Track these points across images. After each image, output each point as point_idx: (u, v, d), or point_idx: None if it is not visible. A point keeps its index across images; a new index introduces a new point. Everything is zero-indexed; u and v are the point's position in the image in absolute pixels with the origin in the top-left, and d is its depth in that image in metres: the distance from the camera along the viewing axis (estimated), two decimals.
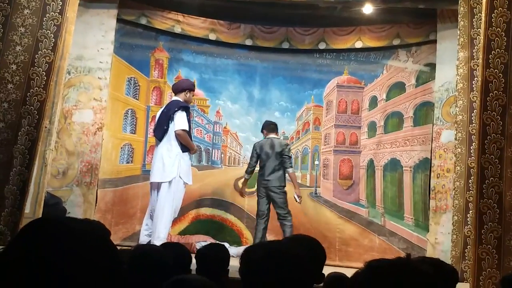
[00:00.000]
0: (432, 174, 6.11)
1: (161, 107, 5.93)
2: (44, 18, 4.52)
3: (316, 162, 7.31)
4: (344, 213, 6.92)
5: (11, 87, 4.42)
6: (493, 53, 4.17)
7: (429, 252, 5.81)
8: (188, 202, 6.45)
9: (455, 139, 5.19)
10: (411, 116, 6.72)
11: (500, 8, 4.16)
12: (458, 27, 5.14)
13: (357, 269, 1.32)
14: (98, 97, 6.23)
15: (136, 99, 7.01)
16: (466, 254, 4.77)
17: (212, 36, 7.04)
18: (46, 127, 4.84)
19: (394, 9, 6.46)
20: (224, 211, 6.98)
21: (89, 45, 6.24)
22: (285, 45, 7.13)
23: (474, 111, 4.67)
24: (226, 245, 4.34)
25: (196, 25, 6.99)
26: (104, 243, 0.95)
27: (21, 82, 4.44)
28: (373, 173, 6.93)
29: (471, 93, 4.93)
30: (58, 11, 4.56)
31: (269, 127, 6.27)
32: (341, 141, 7.20)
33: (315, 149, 7.38)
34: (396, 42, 6.83)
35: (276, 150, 6.04)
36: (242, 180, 6.42)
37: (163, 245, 3.12)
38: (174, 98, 5.55)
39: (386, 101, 7.01)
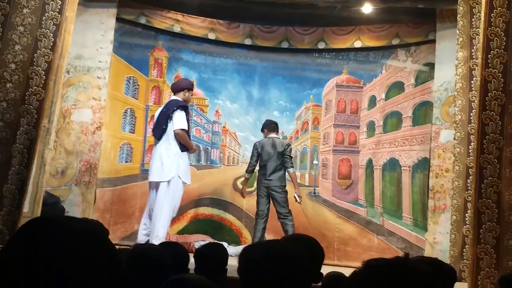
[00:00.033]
0: (430, 174, 6.11)
1: (160, 107, 5.92)
2: (43, 17, 4.51)
3: (315, 162, 7.31)
4: (343, 212, 6.92)
5: (10, 86, 4.42)
6: (492, 53, 4.17)
7: (428, 252, 5.82)
8: (187, 201, 6.45)
9: (454, 138, 5.19)
10: (410, 116, 6.72)
11: (499, 8, 4.16)
12: (457, 26, 5.15)
13: (355, 269, 1.32)
14: (97, 97, 6.23)
15: (135, 98, 7.01)
16: (464, 253, 4.77)
17: (212, 36, 7.04)
18: (45, 126, 4.84)
19: (394, 9, 6.47)
20: (223, 211, 6.98)
21: (88, 45, 6.24)
22: (285, 45, 7.13)
23: (473, 110, 4.67)
24: (225, 244, 4.35)
25: (195, 25, 6.99)
26: (103, 243, 0.95)
27: (20, 81, 4.44)
28: (372, 172, 6.93)
29: (470, 92, 4.93)
30: (58, 10, 4.56)
31: (270, 126, 6.26)
32: (340, 140, 7.21)
33: (314, 148, 7.38)
34: (395, 41, 6.83)
35: (278, 150, 6.03)
36: (242, 179, 6.42)
37: (161, 244, 3.12)
38: (173, 97, 5.55)
39: (385, 101, 7.01)
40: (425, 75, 6.63)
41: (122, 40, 6.73)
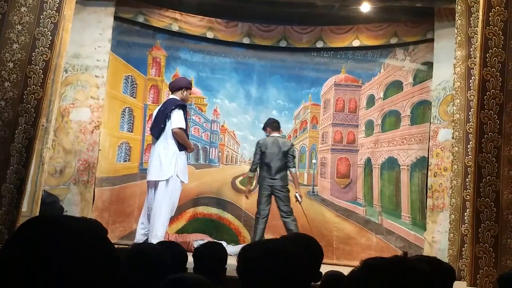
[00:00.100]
0: (429, 173, 6.12)
1: (158, 106, 5.92)
2: (41, 16, 4.51)
3: (314, 161, 7.31)
4: (342, 211, 6.92)
5: (8, 85, 4.41)
6: (490, 51, 4.18)
7: (426, 251, 5.82)
8: (185, 200, 6.45)
9: (452, 137, 5.19)
10: (408, 115, 6.72)
11: (497, 7, 4.17)
12: (456, 26, 5.15)
13: (354, 268, 1.32)
14: (95, 95, 6.22)
15: (134, 97, 7.00)
16: (463, 252, 4.78)
17: (210, 35, 7.03)
18: (43, 125, 4.83)
19: (392, 8, 6.47)
20: (222, 210, 6.97)
21: (86, 43, 6.23)
22: (283, 44, 7.12)
23: (471, 109, 4.68)
24: (224, 243, 4.34)
25: (193, 23, 6.98)
26: (102, 242, 0.95)
27: (18, 80, 4.43)
28: (371, 171, 6.93)
29: (468, 91, 4.94)
30: (55, 8, 4.55)
31: (273, 125, 6.24)
32: (338, 139, 7.21)
33: (312, 147, 7.38)
34: (393, 40, 6.83)
35: (283, 149, 6.03)
36: (242, 179, 6.40)
37: (160, 243, 3.12)
38: (171, 96, 5.54)
39: (383, 100, 7.01)
40: (423, 74, 6.63)
41: (120, 38, 6.72)
